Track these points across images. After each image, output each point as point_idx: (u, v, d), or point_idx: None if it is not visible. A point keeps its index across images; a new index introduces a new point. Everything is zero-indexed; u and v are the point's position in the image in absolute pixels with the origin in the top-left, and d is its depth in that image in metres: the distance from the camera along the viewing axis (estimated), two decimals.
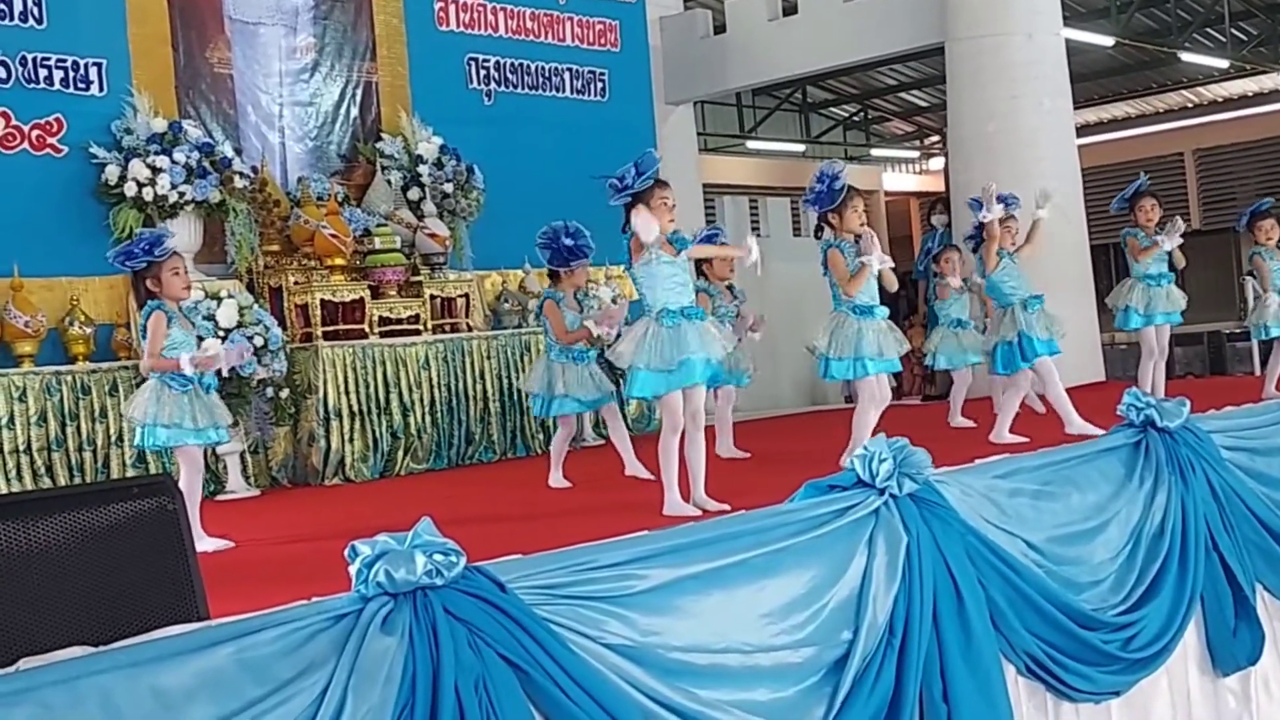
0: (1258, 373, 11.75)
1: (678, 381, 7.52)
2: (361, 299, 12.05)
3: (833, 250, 8.54)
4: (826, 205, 8.57)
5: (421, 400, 12.11)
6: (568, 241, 9.89)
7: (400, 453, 11.93)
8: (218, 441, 8.67)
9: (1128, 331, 11.67)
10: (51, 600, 3.67)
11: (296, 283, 12.10)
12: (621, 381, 13.21)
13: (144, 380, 8.46)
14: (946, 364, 11.84)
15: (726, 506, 7.22)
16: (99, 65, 11.72)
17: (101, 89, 11.73)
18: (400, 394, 11.96)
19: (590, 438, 13.08)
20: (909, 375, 22.70)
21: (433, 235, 13.00)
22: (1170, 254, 11.21)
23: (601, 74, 16.15)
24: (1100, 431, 9.08)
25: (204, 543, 7.46)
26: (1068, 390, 9.58)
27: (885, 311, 8.61)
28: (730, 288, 10.78)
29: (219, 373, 8.58)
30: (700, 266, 9.98)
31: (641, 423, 14.10)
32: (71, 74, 11.57)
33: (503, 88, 15.10)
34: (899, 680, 5.07)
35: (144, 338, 8.33)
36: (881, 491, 5.38)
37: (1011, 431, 9.85)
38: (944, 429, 11.67)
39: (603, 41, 16.22)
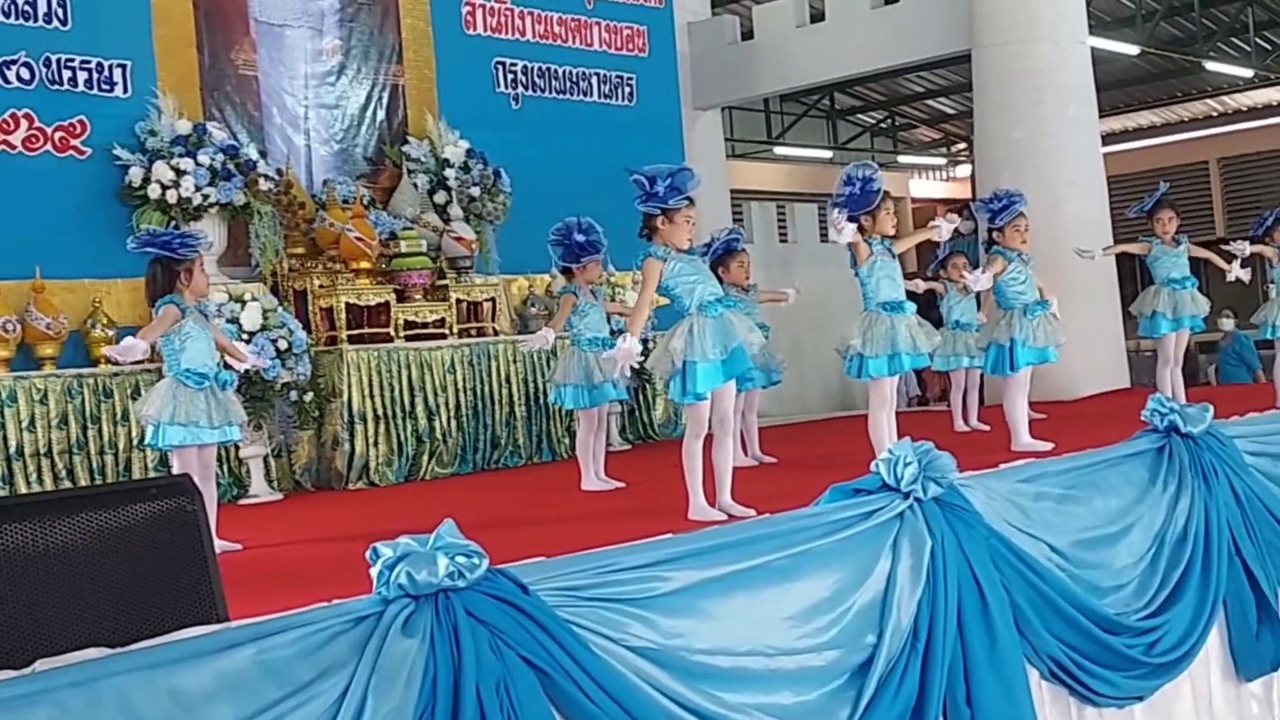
0: None
1: (732, 370, 7.53)
2: (387, 302, 12.04)
3: (861, 243, 8.50)
4: (860, 208, 8.49)
5: (447, 404, 12.10)
6: (579, 237, 9.87)
7: (425, 457, 11.91)
8: (232, 440, 8.62)
9: (1155, 338, 11.63)
10: (70, 601, 3.66)
11: (321, 286, 12.10)
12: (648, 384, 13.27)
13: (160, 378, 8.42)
14: (942, 365, 11.80)
15: (752, 512, 7.19)
16: (123, 67, 11.73)
17: (126, 91, 11.74)
18: (425, 398, 11.94)
19: (617, 442, 13.06)
20: (935, 382, 22.71)
21: (459, 239, 13.01)
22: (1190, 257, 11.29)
23: (629, 79, 16.15)
24: (1047, 446, 9.22)
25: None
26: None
27: (913, 307, 8.57)
28: (745, 289, 10.71)
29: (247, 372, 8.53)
30: (717, 272, 9.97)
31: (669, 427, 14.07)
32: (96, 76, 11.58)
33: (530, 92, 15.11)
34: (923, 684, 5.05)
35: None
36: (906, 495, 5.36)
37: (1031, 437, 9.78)
38: (971, 434, 11.67)
39: (630, 46, 16.21)
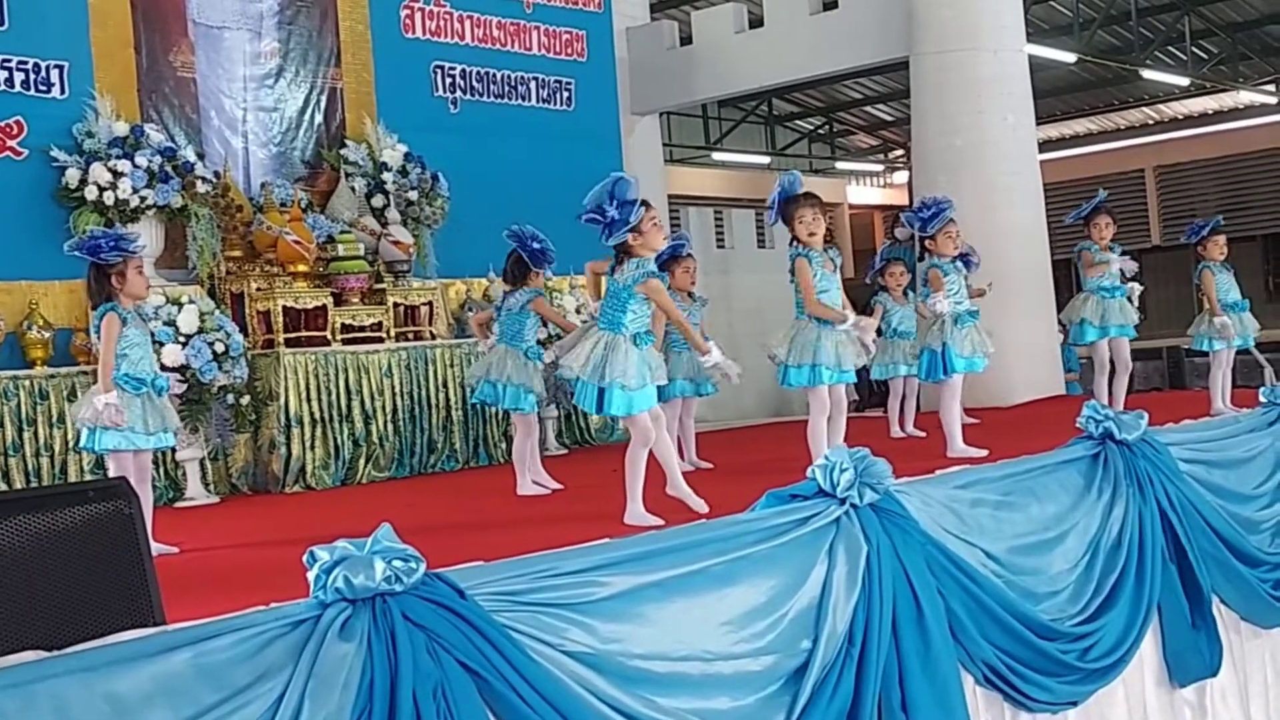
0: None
1: (642, 405, 7.53)
2: (324, 306, 11.99)
3: (800, 260, 8.54)
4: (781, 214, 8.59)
5: (384, 408, 12.05)
6: (535, 246, 9.83)
7: (362, 461, 11.86)
8: (167, 446, 8.56)
9: (1084, 346, 11.69)
10: (5, 604, 3.63)
11: (259, 289, 12.03)
12: (563, 394, 13.21)
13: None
14: (879, 374, 11.90)
15: (705, 506, 7.24)
16: (60, 68, 11.63)
17: (63, 92, 11.64)
18: (362, 401, 11.89)
19: (554, 446, 13.05)
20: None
21: (397, 243, 12.96)
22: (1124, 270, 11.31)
23: (568, 83, 16.12)
24: (982, 453, 9.24)
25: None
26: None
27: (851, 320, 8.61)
28: (691, 295, 10.73)
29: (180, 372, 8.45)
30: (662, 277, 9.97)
31: (605, 432, 14.07)
32: (33, 76, 11.49)
33: (468, 96, 15.06)
34: (858, 689, 5.07)
35: (100, 339, 8.18)
36: (842, 501, 5.38)
37: (966, 443, 9.82)
38: (907, 440, 11.72)
39: (569, 51, 16.19)
